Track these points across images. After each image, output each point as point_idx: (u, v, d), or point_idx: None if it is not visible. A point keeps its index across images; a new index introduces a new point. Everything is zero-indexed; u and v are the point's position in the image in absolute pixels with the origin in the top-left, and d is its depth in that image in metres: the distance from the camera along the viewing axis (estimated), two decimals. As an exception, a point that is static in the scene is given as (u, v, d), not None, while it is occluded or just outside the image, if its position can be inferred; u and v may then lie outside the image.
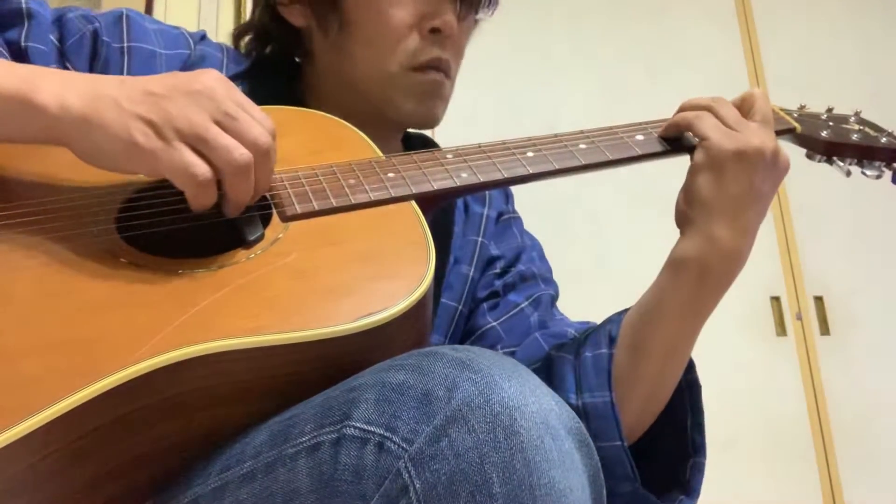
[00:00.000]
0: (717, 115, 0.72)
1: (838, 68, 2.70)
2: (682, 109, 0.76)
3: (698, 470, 0.75)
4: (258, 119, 0.58)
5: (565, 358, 0.78)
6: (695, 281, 0.71)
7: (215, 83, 0.58)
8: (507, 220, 0.94)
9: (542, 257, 0.95)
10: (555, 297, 0.91)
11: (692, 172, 0.72)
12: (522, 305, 0.87)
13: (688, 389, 0.77)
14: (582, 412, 0.73)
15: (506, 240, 0.92)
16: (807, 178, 2.59)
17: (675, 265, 0.73)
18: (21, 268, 0.56)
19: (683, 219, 0.73)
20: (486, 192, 0.93)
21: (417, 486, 0.44)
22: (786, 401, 2.37)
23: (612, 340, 0.75)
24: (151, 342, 0.51)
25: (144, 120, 0.56)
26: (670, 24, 2.75)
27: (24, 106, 0.56)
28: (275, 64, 0.89)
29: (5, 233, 0.58)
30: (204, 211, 0.60)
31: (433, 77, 0.81)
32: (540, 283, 0.90)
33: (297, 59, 0.90)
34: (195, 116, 0.56)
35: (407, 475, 0.44)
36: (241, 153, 0.56)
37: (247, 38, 0.91)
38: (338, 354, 0.55)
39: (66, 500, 0.51)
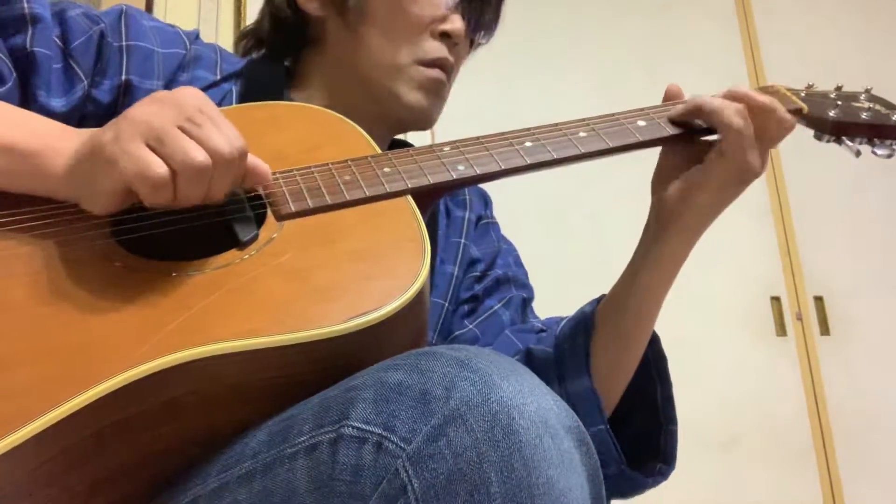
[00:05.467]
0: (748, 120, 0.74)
1: (838, 68, 2.69)
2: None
3: (672, 438, 0.81)
4: (225, 132, 0.58)
5: (545, 350, 0.83)
6: (669, 273, 0.78)
7: (187, 94, 0.59)
8: (486, 225, 0.98)
9: (517, 262, 0.98)
10: (528, 300, 0.94)
11: (712, 167, 0.74)
12: (496, 308, 0.91)
13: (654, 363, 0.82)
14: (565, 400, 0.77)
15: (485, 243, 0.95)
16: (807, 177, 2.60)
17: (652, 259, 0.78)
18: (17, 274, 0.56)
19: (674, 214, 0.76)
20: (467, 197, 0.96)
21: (416, 485, 0.44)
22: (786, 401, 2.37)
23: (587, 328, 0.80)
24: (145, 347, 0.51)
25: (111, 131, 0.57)
26: (670, 24, 2.75)
27: (36, 170, 0.60)
28: (268, 62, 0.90)
29: (2, 240, 0.58)
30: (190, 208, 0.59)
31: (438, 75, 0.85)
32: (512, 288, 0.94)
33: (287, 64, 0.92)
34: (156, 119, 0.56)
35: (405, 474, 0.44)
36: (197, 154, 0.56)
37: (245, 40, 0.93)
38: (333, 355, 0.55)
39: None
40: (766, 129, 0.74)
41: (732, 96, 0.75)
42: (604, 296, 0.83)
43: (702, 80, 2.61)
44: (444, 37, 0.85)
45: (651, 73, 2.64)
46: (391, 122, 0.88)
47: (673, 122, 0.77)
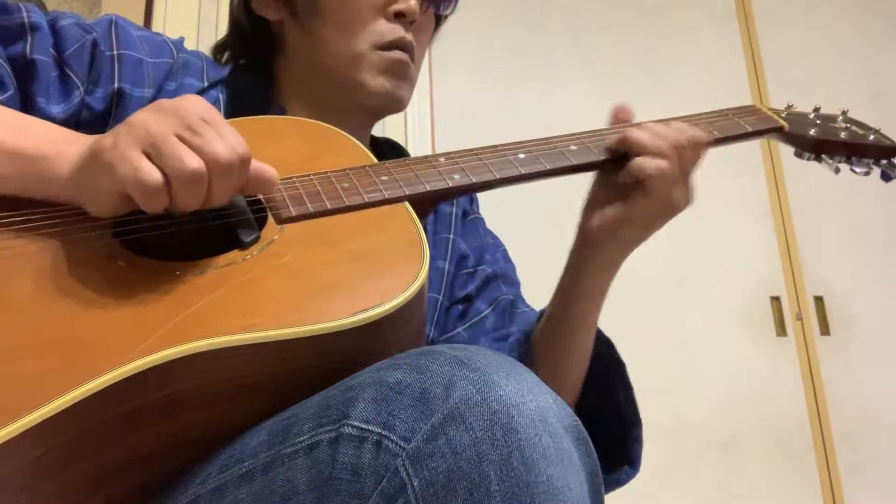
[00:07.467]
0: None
1: (838, 68, 2.70)
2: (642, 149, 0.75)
3: (637, 441, 0.82)
4: (227, 139, 0.57)
5: None
6: (595, 297, 0.80)
7: (189, 102, 0.58)
8: (473, 220, 0.99)
9: (506, 258, 1.00)
10: (515, 300, 0.96)
11: (637, 199, 0.74)
12: (485, 312, 0.92)
13: (615, 369, 0.84)
14: None
15: (472, 238, 0.97)
16: (807, 178, 2.61)
17: (578, 286, 0.80)
18: (21, 272, 0.57)
19: (598, 244, 0.78)
20: None
21: (415, 484, 0.44)
22: (786, 401, 2.37)
23: (529, 339, 0.84)
24: (147, 341, 0.52)
25: (111, 137, 0.57)
26: (670, 25, 2.75)
27: (41, 175, 0.60)
28: (251, 69, 0.91)
29: (6, 239, 0.59)
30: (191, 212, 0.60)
31: (399, 56, 0.85)
32: (502, 285, 0.95)
33: (269, 67, 0.93)
34: (154, 127, 0.56)
35: (405, 473, 0.45)
36: (190, 162, 0.55)
37: (220, 54, 0.95)
38: (333, 350, 0.56)
39: (65, 499, 0.51)
40: (692, 162, 0.75)
41: (657, 136, 0.74)
42: (544, 310, 0.85)
43: (702, 81, 2.63)
44: (399, 17, 0.85)
45: (651, 73, 2.64)
46: (365, 111, 0.90)
47: (609, 149, 0.78)
